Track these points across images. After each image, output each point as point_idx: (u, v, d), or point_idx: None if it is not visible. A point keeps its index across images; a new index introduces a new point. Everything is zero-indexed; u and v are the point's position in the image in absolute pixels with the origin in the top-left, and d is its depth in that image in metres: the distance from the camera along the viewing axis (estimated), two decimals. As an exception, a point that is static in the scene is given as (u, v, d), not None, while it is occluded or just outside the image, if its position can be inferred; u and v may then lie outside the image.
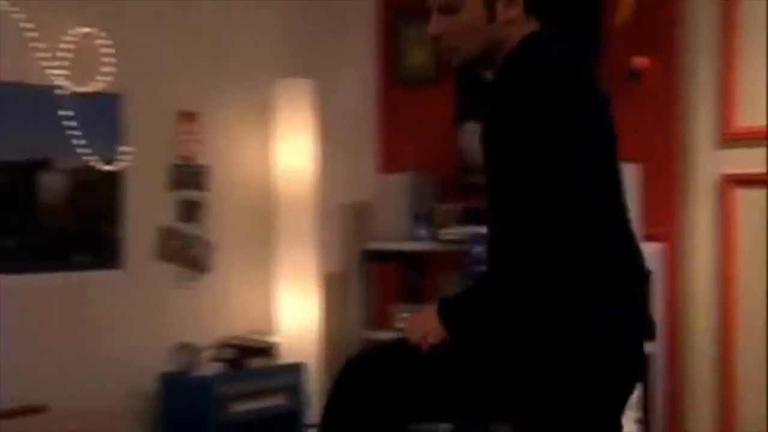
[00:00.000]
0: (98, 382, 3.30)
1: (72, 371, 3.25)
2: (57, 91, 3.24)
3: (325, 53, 4.14)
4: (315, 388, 3.69)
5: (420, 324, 1.84)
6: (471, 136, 4.03)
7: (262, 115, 3.84)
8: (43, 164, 3.25)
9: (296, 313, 3.79)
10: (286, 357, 3.68)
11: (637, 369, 1.87)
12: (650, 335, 1.88)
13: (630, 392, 1.88)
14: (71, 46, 3.26)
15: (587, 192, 1.75)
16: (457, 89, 4.12)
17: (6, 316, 3.11)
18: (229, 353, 3.38)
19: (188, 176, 3.68)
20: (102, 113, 3.40)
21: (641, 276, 1.85)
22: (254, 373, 3.44)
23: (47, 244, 3.27)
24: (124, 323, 3.44)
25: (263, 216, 3.83)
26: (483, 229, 3.50)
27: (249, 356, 3.43)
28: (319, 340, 3.84)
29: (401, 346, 1.86)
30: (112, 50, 3.37)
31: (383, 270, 4.16)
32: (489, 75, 1.90)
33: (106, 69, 3.38)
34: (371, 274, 4.13)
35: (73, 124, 3.27)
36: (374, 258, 4.10)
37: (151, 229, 3.57)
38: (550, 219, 1.69)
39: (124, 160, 3.45)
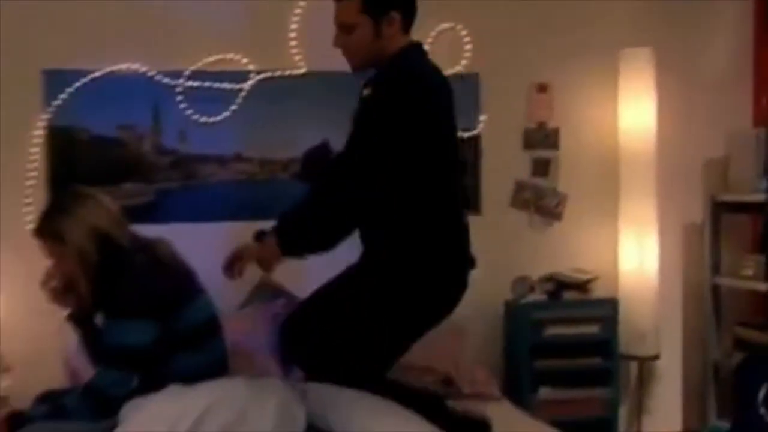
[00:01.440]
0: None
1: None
2: (422, 76, 4.18)
3: (685, 16, 4.45)
4: (647, 324, 4.18)
5: (264, 254, 2.69)
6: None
7: (608, 82, 4.33)
8: (414, 133, 4.22)
9: (637, 258, 4.25)
10: (623, 296, 4.21)
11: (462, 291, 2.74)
12: (473, 266, 2.88)
13: (450, 311, 2.73)
14: (432, 40, 4.16)
15: (428, 169, 2.57)
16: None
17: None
18: (550, 286, 4.04)
19: (541, 138, 4.35)
20: (463, 89, 4.19)
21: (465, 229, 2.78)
22: (570, 303, 4.07)
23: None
24: (480, 258, 4.25)
25: (609, 171, 4.34)
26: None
27: (566, 289, 4.05)
28: (656, 283, 4.26)
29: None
30: (469, 38, 4.21)
31: (735, 221, 4.37)
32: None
33: (466, 54, 4.23)
34: (724, 225, 4.38)
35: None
36: (728, 209, 4.34)
37: (507, 182, 4.33)
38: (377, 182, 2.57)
39: (482, 126, 4.27)
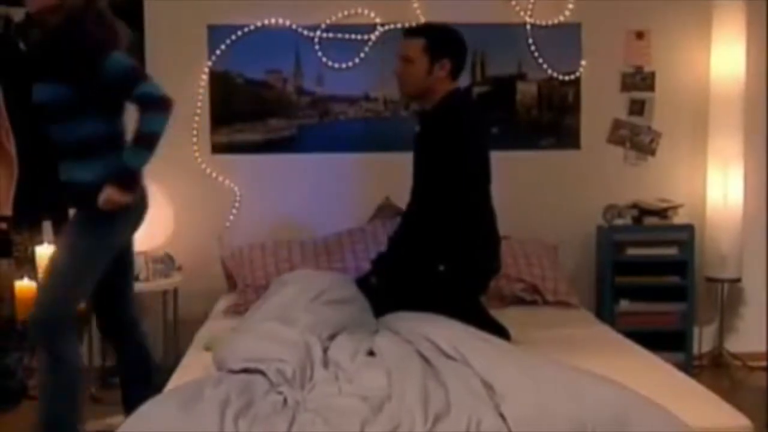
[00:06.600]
0: (553, 223, 4.74)
1: (534, 214, 4.73)
2: (528, 27, 4.72)
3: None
4: (729, 250, 4.63)
5: None
6: None
7: (701, 30, 4.73)
8: (520, 77, 4.77)
9: (722, 190, 4.68)
10: (709, 225, 4.66)
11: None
12: (498, 271, 3.39)
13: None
14: (535, -6, 4.69)
15: (472, 187, 3.21)
16: None
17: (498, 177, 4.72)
18: (634, 212, 4.54)
19: (637, 81, 4.81)
20: (565, 38, 4.74)
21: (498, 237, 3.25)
22: (650, 228, 4.57)
23: (523, 131, 4.81)
24: (578, 188, 4.80)
25: (700, 111, 4.77)
26: None
27: (648, 215, 4.54)
28: (740, 213, 4.68)
29: None
30: (572, -11, 4.71)
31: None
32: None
33: (569, 6, 4.73)
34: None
35: (536, 48, 4.72)
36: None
37: (604, 120, 4.82)
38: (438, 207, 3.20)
39: (583, 71, 4.76)
